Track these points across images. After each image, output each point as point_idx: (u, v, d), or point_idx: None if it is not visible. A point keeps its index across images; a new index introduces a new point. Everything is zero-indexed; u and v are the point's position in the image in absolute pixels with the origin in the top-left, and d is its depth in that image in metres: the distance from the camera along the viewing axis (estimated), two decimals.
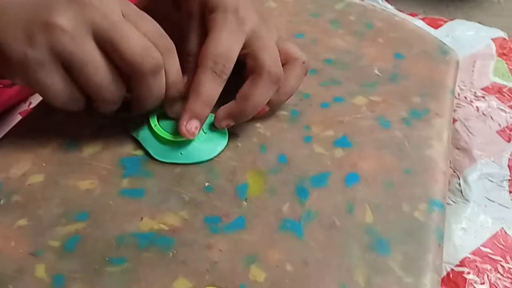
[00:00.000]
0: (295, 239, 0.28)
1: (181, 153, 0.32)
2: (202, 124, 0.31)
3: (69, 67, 0.28)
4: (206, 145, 0.32)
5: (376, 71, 0.39)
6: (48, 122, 0.34)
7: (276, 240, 0.28)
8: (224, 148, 0.33)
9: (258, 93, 0.31)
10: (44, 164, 0.31)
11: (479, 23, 0.60)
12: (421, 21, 0.59)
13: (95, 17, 0.27)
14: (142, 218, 0.29)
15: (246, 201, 0.30)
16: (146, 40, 0.28)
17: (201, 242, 0.28)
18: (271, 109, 0.34)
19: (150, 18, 0.30)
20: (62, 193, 0.30)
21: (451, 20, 0.60)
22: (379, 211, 0.30)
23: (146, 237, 0.28)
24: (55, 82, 0.28)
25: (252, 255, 0.27)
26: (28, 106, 0.50)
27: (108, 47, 0.28)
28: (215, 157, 0.32)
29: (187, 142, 0.32)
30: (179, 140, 0.32)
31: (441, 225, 0.30)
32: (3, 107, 0.49)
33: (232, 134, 0.34)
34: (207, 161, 0.32)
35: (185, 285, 0.26)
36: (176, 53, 0.30)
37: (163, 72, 0.30)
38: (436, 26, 0.59)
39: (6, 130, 0.48)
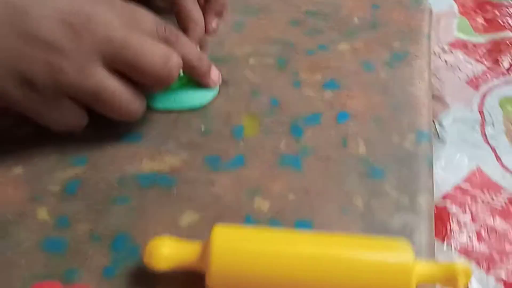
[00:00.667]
0: (294, 172, 0.29)
1: (174, 100, 0.32)
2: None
3: (81, 98, 0.27)
4: (199, 91, 0.33)
5: (356, 21, 0.40)
6: None
7: (276, 174, 0.29)
8: (216, 94, 0.33)
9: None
10: None
11: None
12: None
13: (99, 44, 0.26)
14: (142, 160, 0.29)
15: (243, 141, 0.31)
16: (159, 45, 0.27)
17: (203, 179, 0.28)
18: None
19: (142, 9, 0.28)
20: (55, 141, 0.30)
21: None
22: (371, 143, 0.31)
23: (147, 177, 0.28)
24: (65, 117, 0.27)
25: (254, 188, 0.28)
26: None
27: (123, 69, 0.27)
28: (208, 103, 0.33)
29: (180, 88, 0.32)
30: (172, 86, 0.32)
31: (430, 153, 0.31)
32: None
33: (223, 82, 0.34)
34: (200, 107, 0.32)
35: (192, 218, 0.26)
36: (181, 33, 0.30)
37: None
38: None
39: None
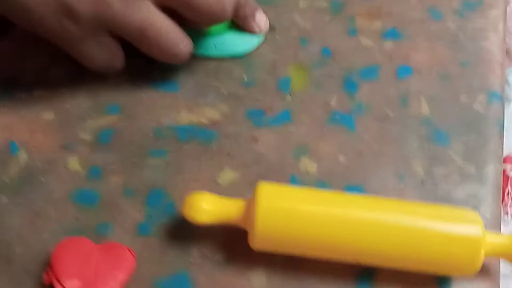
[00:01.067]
0: (346, 132, 0.26)
1: (215, 45, 0.29)
2: None
3: (124, 35, 0.25)
4: (242, 37, 0.29)
5: None
6: None
7: (325, 133, 0.26)
8: (261, 41, 0.30)
9: None
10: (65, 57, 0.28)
11: None
12: None
13: None
14: (179, 112, 0.27)
15: (290, 95, 0.28)
16: None
17: (245, 135, 0.26)
18: None
19: None
20: (88, 86, 0.28)
21: None
22: (436, 103, 0.27)
23: (185, 129, 0.26)
24: (99, 53, 0.26)
25: (301, 147, 0.25)
26: None
27: (173, 2, 0.25)
28: (252, 50, 0.30)
29: (222, 32, 0.29)
30: (213, 30, 0.29)
31: (501, 117, 0.27)
32: None
33: (269, 28, 0.30)
34: (243, 55, 0.29)
35: (232, 176, 0.24)
36: None
37: None
38: None
39: None
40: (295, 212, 0.21)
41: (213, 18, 0.26)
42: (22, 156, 0.25)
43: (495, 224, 0.23)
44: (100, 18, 0.24)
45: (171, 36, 0.25)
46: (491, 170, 0.25)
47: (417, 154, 0.25)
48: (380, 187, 0.24)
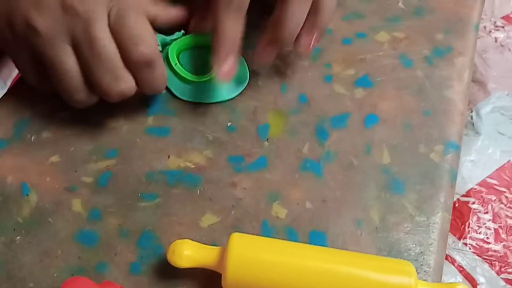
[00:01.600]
0: (314, 179, 0.30)
1: (203, 92, 0.32)
2: (235, 60, 0.30)
3: (40, 62, 0.29)
4: (228, 84, 0.33)
5: (400, 4, 0.37)
6: None
7: (297, 179, 0.30)
8: (245, 86, 0.33)
9: (291, 12, 0.29)
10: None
11: None
12: None
13: (76, 28, 0.27)
14: (169, 156, 0.30)
15: (267, 141, 0.31)
16: (119, 67, 0.28)
17: (226, 180, 0.29)
18: (316, 38, 0.31)
19: (133, 19, 0.28)
20: (90, 129, 0.31)
21: None
22: (396, 152, 0.31)
23: (174, 174, 0.30)
24: (27, 67, 0.30)
25: (274, 193, 0.29)
26: None
27: (83, 63, 0.28)
28: (237, 96, 0.33)
29: (210, 81, 0.32)
30: (202, 80, 0.32)
31: (455, 166, 0.31)
32: None
33: (253, 72, 0.34)
34: (229, 100, 0.33)
35: (212, 220, 0.28)
36: (151, 64, 0.29)
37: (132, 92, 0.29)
38: None
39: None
40: (261, 261, 0.24)
41: (104, 90, 0.29)
42: (33, 197, 0.29)
43: (437, 270, 0.27)
44: (28, 42, 0.28)
45: (72, 82, 0.28)
46: (439, 219, 0.29)
47: (374, 202, 0.29)
48: (339, 233, 0.28)
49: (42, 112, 0.32)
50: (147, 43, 0.28)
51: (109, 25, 0.28)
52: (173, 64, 0.32)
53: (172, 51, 0.33)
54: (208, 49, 0.31)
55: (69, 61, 0.28)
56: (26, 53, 0.29)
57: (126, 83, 0.28)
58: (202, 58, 0.33)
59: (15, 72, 0.46)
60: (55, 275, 0.26)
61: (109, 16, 0.28)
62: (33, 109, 0.32)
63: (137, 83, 0.29)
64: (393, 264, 0.25)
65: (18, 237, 0.27)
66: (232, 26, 0.30)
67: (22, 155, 0.30)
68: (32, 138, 0.31)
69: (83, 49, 0.27)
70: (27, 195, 0.29)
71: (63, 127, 0.31)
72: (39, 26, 0.27)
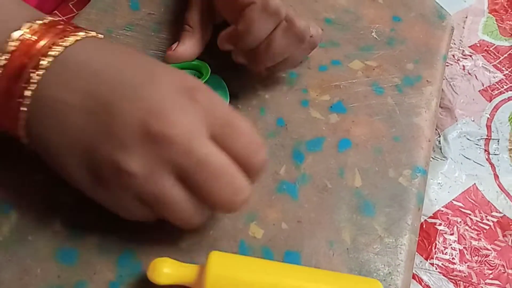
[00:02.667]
0: (290, 200, 0.31)
1: None
2: None
3: (145, 202, 0.25)
4: None
5: (374, 34, 0.39)
6: None
7: (273, 201, 0.31)
8: None
9: (256, 21, 0.30)
10: None
11: None
12: None
13: (175, 155, 0.23)
14: None
15: None
16: (236, 177, 0.25)
17: None
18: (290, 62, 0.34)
19: (243, 124, 0.25)
20: None
21: None
22: (367, 176, 0.32)
23: None
24: (133, 213, 0.26)
25: (251, 214, 0.30)
26: None
27: (193, 187, 0.24)
28: None
29: None
30: None
31: (422, 190, 0.33)
32: None
33: (233, 95, 0.35)
34: None
35: (191, 239, 0.29)
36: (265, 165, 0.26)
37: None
38: None
39: None
40: (238, 279, 0.25)
41: (221, 211, 0.27)
42: (13, 215, 0.29)
43: None
44: (121, 184, 0.24)
45: (187, 210, 0.25)
46: (406, 241, 0.30)
47: (346, 224, 0.30)
48: (313, 253, 0.29)
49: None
50: (263, 146, 0.26)
51: (212, 137, 0.24)
52: None
53: None
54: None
55: (175, 192, 0.24)
56: (123, 196, 0.25)
57: (248, 190, 0.25)
58: None
59: None
60: None
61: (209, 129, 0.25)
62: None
63: None
64: (362, 282, 0.26)
65: None
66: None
67: (3, 173, 0.31)
68: (14, 155, 0.31)
69: (192, 173, 0.24)
70: (7, 213, 0.29)
71: None
72: (134, 169, 0.23)
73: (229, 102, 0.35)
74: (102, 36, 0.28)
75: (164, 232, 0.29)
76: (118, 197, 0.25)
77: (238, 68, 0.37)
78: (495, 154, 0.45)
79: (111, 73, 0.25)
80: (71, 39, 0.25)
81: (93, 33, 0.27)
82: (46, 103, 0.25)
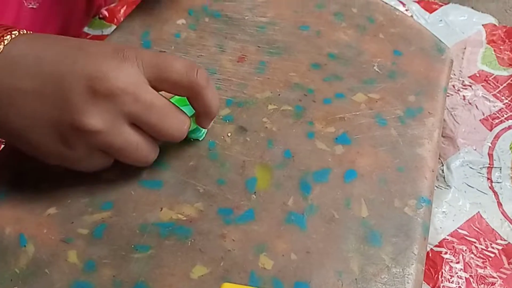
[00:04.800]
0: (299, 231, 0.32)
1: None
2: None
3: (108, 151, 0.30)
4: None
5: (375, 68, 0.41)
6: None
7: (282, 232, 0.32)
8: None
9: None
10: None
11: (472, 8, 0.62)
12: (417, 5, 0.61)
13: (127, 106, 0.28)
14: (161, 209, 0.32)
15: (255, 195, 0.33)
16: (178, 111, 0.31)
17: (215, 232, 0.31)
18: None
19: (171, 58, 0.30)
20: (86, 181, 0.33)
21: (445, 4, 0.61)
22: (373, 206, 0.33)
23: (166, 226, 0.31)
24: (94, 164, 0.31)
25: (261, 245, 0.31)
26: None
27: (145, 128, 0.30)
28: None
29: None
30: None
31: (427, 220, 0.33)
32: None
33: (242, 127, 0.36)
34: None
35: (202, 271, 0.30)
36: (208, 80, 0.31)
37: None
38: (430, 10, 0.61)
39: None
40: None
41: (172, 141, 0.32)
42: (30, 248, 0.30)
43: None
44: (88, 144, 0.29)
45: (145, 150, 0.31)
46: (413, 271, 0.31)
47: (354, 254, 0.31)
48: (322, 284, 0.30)
49: (40, 165, 0.33)
50: (193, 68, 0.30)
51: (150, 82, 0.29)
52: None
53: None
54: None
55: (134, 137, 0.29)
56: (91, 154, 0.29)
57: (187, 120, 0.32)
58: None
59: None
60: None
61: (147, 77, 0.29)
62: (30, 162, 0.34)
63: None
64: None
65: None
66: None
67: (20, 206, 0.32)
68: (30, 190, 0.32)
69: (143, 118, 0.29)
70: (25, 246, 0.30)
71: (60, 180, 0.33)
72: (96, 126, 0.27)
73: (239, 134, 0.36)
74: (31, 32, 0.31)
75: (176, 264, 0.30)
76: (85, 154, 0.29)
77: (247, 99, 0.38)
78: (498, 182, 0.46)
79: (50, 55, 0.28)
80: (8, 38, 0.29)
81: (24, 31, 0.30)
82: (1, 93, 0.28)
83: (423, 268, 0.31)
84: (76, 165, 0.31)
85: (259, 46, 0.42)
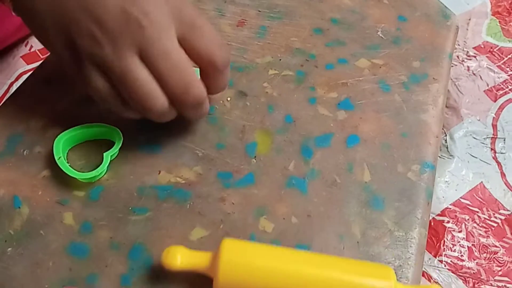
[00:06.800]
0: (299, 195, 0.31)
1: None
2: None
3: (109, 75, 0.28)
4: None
5: (379, 33, 0.40)
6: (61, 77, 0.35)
7: (282, 195, 0.31)
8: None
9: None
10: (62, 118, 0.33)
11: None
12: None
13: (143, 41, 0.27)
14: (160, 172, 0.31)
15: (255, 159, 0.32)
16: (191, 77, 0.28)
17: (215, 195, 0.31)
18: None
19: (207, 27, 0.29)
20: (82, 146, 0.32)
21: None
22: (376, 171, 0.32)
23: (164, 189, 0.31)
24: (94, 80, 0.28)
25: (261, 208, 0.30)
26: (29, 49, 0.50)
27: (154, 73, 0.28)
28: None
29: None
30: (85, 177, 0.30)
31: (431, 185, 0.33)
32: (2, 46, 0.49)
33: (242, 93, 0.35)
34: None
35: (201, 233, 0.29)
36: (227, 66, 0.30)
37: (207, 102, 0.30)
38: None
39: (10, 73, 0.48)
40: (251, 265, 0.25)
41: (179, 99, 0.29)
42: (25, 210, 0.29)
43: (415, 283, 0.29)
44: (93, 55, 0.27)
45: (148, 89, 0.28)
46: (416, 234, 0.30)
47: (356, 218, 0.30)
48: (323, 247, 0.29)
49: (35, 127, 0.33)
50: (226, 47, 0.30)
51: (178, 34, 0.28)
52: (56, 158, 0.30)
53: (58, 143, 0.31)
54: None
55: (138, 70, 0.27)
56: (92, 71, 0.28)
57: (198, 88, 0.29)
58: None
59: (3, 89, 0.47)
60: (46, 286, 0.26)
61: (176, 27, 0.28)
62: (26, 124, 0.33)
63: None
64: (374, 268, 0.27)
65: (9, 249, 0.28)
66: None
67: (14, 168, 0.31)
68: (25, 152, 0.32)
69: (154, 61, 0.27)
70: (19, 207, 0.29)
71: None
72: (103, 39, 0.27)
73: (239, 99, 0.35)
74: None
75: (175, 227, 0.29)
76: (86, 68, 0.28)
77: (247, 64, 0.37)
78: (502, 153, 0.45)
79: None
80: None
81: None
82: None
83: (426, 233, 0.31)
84: (81, 82, 0.29)
85: (259, 11, 0.41)
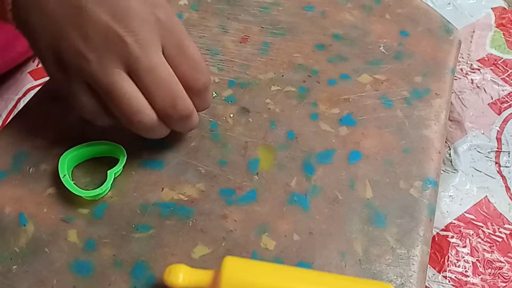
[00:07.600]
0: (301, 212, 0.31)
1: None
2: None
3: (97, 92, 0.28)
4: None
5: (381, 49, 0.40)
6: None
7: (284, 212, 0.31)
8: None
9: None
10: (67, 137, 0.33)
11: None
12: None
13: (129, 57, 0.27)
14: (163, 189, 0.32)
15: (257, 176, 0.33)
16: (177, 89, 0.28)
17: (217, 212, 0.31)
18: None
19: (193, 49, 0.29)
20: (86, 163, 0.33)
21: None
22: (378, 187, 0.33)
23: (167, 206, 0.31)
24: (83, 99, 0.29)
25: (263, 225, 0.30)
26: (36, 65, 0.50)
27: (140, 87, 0.28)
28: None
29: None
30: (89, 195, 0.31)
31: (433, 201, 0.33)
32: (12, 65, 0.50)
33: (244, 108, 0.36)
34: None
35: (204, 251, 0.29)
36: (209, 89, 0.30)
37: (195, 115, 0.30)
38: None
39: (18, 88, 0.49)
40: (253, 283, 0.26)
41: (167, 114, 0.29)
42: (30, 227, 0.30)
43: None
44: (80, 71, 0.28)
45: (135, 103, 0.28)
46: (419, 252, 0.30)
47: (358, 235, 0.30)
48: (325, 265, 0.29)
49: (41, 145, 0.33)
50: (207, 71, 0.30)
51: (164, 52, 0.28)
52: (61, 177, 0.31)
53: (63, 161, 0.32)
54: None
55: (126, 85, 0.28)
56: (80, 87, 0.28)
57: (185, 102, 0.29)
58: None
59: (11, 104, 0.48)
60: None
61: (163, 44, 0.28)
62: (32, 141, 0.33)
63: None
64: (376, 286, 0.27)
65: (14, 267, 0.28)
66: None
67: (20, 186, 0.31)
68: (31, 170, 0.32)
69: (140, 76, 0.28)
70: (24, 225, 0.30)
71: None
72: (89, 54, 0.27)
73: (241, 115, 0.35)
74: None
75: (177, 244, 0.29)
76: (75, 85, 0.28)
77: (250, 80, 0.37)
78: (506, 167, 0.45)
79: None
80: None
81: None
82: None
83: (429, 250, 0.31)
84: (69, 94, 0.29)
85: (262, 27, 0.41)
